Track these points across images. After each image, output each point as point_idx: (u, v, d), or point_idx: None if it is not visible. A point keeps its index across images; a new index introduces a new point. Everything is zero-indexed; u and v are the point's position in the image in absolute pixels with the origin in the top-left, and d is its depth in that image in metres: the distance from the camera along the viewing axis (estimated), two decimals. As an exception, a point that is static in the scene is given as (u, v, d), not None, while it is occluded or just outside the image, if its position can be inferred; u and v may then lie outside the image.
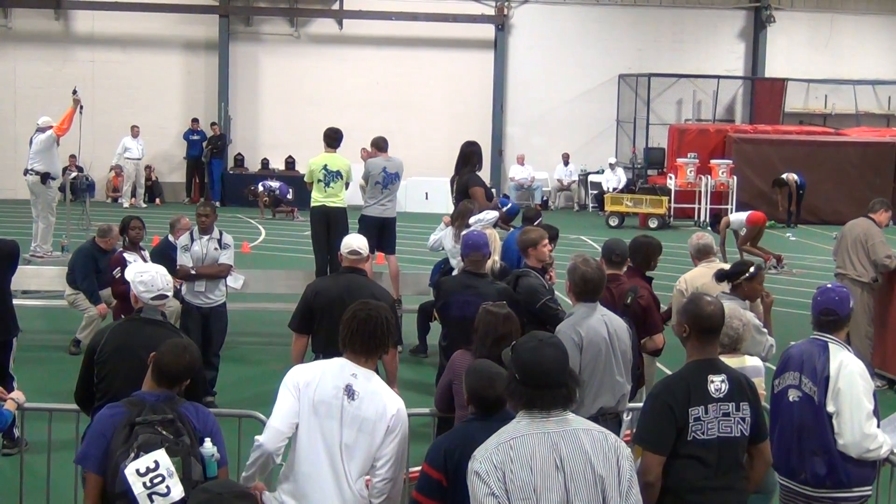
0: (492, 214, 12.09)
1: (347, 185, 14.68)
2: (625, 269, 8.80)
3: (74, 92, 18.19)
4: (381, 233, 14.66)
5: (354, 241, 8.71)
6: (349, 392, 5.38)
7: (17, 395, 7.17)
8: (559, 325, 7.26)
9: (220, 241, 11.41)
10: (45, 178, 17.65)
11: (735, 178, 28.80)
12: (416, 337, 13.55)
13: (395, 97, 31.21)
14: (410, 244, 19.76)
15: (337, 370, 5.48)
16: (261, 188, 28.31)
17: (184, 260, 11.19)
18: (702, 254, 9.99)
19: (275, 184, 28.28)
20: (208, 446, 5.29)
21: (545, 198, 31.36)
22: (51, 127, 17.85)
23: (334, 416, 5.35)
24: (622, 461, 4.46)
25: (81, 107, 18.16)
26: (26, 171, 18.01)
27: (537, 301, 8.64)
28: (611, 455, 4.44)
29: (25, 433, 8.07)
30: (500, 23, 32.03)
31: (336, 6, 31.60)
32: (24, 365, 10.38)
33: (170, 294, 6.57)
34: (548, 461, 4.37)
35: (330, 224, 14.31)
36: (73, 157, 25.60)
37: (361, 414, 5.36)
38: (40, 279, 14.72)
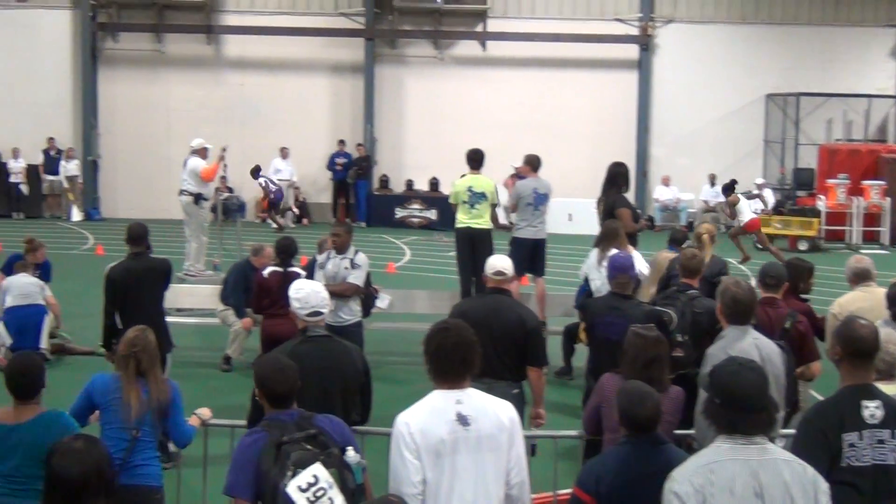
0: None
1: (493, 206, 14.71)
2: (781, 292, 8.63)
3: (224, 150, 18.68)
4: (533, 254, 14.64)
5: (499, 262, 8.69)
6: (462, 420, 5.28)
7: (203, 411, 7.35)
8: (709, 348, 7.15)
9: (352, 260, 11.55)
10: (198, 198, 18.13)
11: (889, 199, 28.01)
12: (561, 359, 13.50)
13: (538, 118, 31.22)
14: (554, 265, 19.69)
15: (441, 404, 5.33)
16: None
17: (317, 278, 11.40)
18: (859, 278, 9.68)
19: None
20: (352, 455, 5.35)
21: (690, 219, 30.97)
22: (205, 149, 18.37)
23: (459, 450, 5.26)
24: (820, 496, 4.47)
25: (226, 165, 18.70)
26: (180, 192, 18.53)
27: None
28: (809, 488, 4.45)
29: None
30: (645, 43, 31.80)
31: (479, 28, 31.82)
32: (178, 381, 10.60)
33: (325, 310, 6.69)
34: (747, 488, 4.37)
35: (475, 245, 14.33)
36: (223, 178, 26.20)
37: (481, 434, 5.30)
38: (193, 297, 15.11)
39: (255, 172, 26.99)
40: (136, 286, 9.94)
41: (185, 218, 18.53)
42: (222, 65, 31.81)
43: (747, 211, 23.77)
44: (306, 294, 6.63)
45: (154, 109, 31.48)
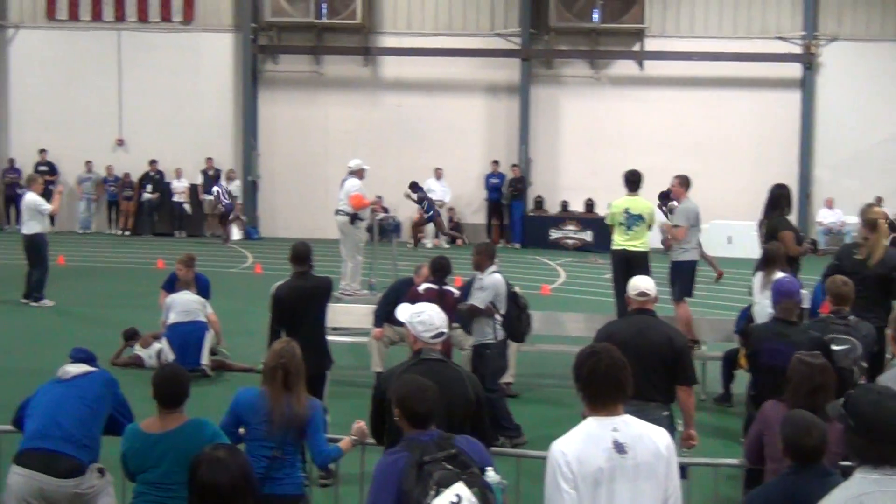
0: None
1: (650, 227, 14.56)
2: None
3: (379, 198, 19.07)
4: (692, 277, 14.51)
5: (642, 283, 8.58)
6: (619, 448, 5.20)
7: (358, 427, 7.46)
8: (880, 376, 6.95)
9: (483, 281, 11.63)
10: (354, 218, 18.41)
11: None
12: (720, 385, 13.28)
13: (696, 139, 30.83)
14: (713, 289, 19.38)
15: (597, 432, 5.25)
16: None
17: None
18: None
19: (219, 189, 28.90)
20: (493, 475, 5.34)
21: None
22: (362, 170, 18.68)
23: (616, 478, 5.18)
24: None
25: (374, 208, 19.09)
26: (336, 212, 18.85)
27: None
28: None
29: (339, 465, 8.37)
30: (808, 62, 31.12)
31: (637, 47, 31.61)
32: (333, 399, 10.80)
33: (446, 331, 6.72)
34: None
35: (631, 268, 14.18)
36: (379, 197, 26.59)
37: (639, 462, 5.21)
38: (349, 316, 15.32)
39: (213, 181, 28.02)
40: (302, 305, 10.13)
41: (341, 237, 18.82)
42: (379, 86, 32.29)
43: None
44: (430, 316, 6.66)
45: (312, 130, 32.15)
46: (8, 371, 14.06)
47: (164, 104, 32.15)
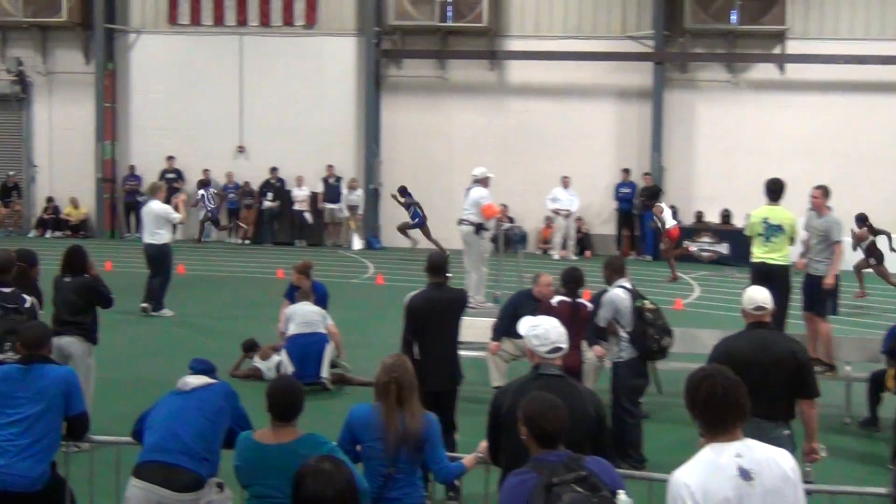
0: None
1: (792, 240, 14.30)
2: None
3: (504, 207, 19.12)
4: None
5: (759, 295, 8.43)
6: (744, 475, 5.09)
7: (486, 446, 7.50)
8: None
9: (601, 296, 11.61)
10: (479, 228, 18.45)
11: None
12: (866, 409, 12.97)
13: (842, 146, 30.16)
14: (855, 305, 18.99)
15: (720, 459, 5.13)
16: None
17: (603, 312, 11.53)
18: None
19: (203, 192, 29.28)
20: (624, 498, 5.31)
21: None
22: (487, 178, 18.71)
23: None
24: None
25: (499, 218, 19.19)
26: (460, 222, 18.91)
27: None
28: None
29: (464, 485, 8.40)
30: (964, 63, 30.26)
31: (777, 50, 31.11)
32: (460, 416, 10.82)
33: (564, 346, 6.69)
34: None
35: (770, 282, 13.90)
36: (503, 206, 26.62)
37: (766, 489, 5.11)
38: (474, 330, 15.30)
39: (202, 185, 28.53)
40: (436, 316, 10.17)
41: (464, 248, 18.89)
42: (505, 91, 32.33)
43: None
44: (545, 330, 6.64)
45: (435, 137, 32.32)
46: (127, 382, 14.38)
47: (285, 110, 32.66)
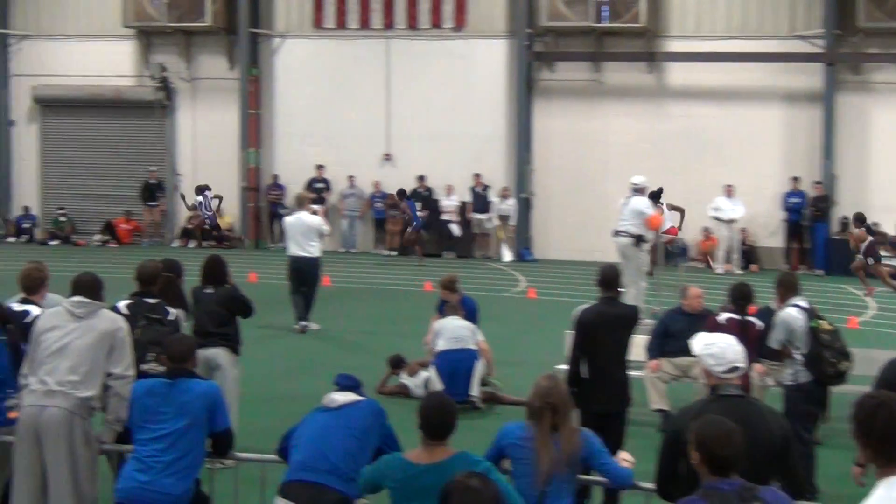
0: None
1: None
2: None
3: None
4: None
5: None
6: None
7: (623, 457, 7.45)
8: None
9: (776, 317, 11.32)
10: (638, 240, 18.26)
11: None
12: None
13: None
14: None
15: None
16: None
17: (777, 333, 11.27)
18: None
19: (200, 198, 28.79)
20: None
21: None
22: (644, 188, 18.52)
23: None
24: None
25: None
26: (617, 233, 18.73)
27: None
28: None
29: None
30: None
31: (962, 48, 30.14)
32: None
33: (742, 365, 6.57)
34: None
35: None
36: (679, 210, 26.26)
37: None
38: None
39: (199, 191, 28.87)
40: (607, 333, 10.04)
41: (622, 261, 18.70)
42: (665, 94, 31.97)
43: None
44: (721, 348, 6.56)
45: (590, 143, 32.11)
46: (271, 398, 14.58)
47: (433, 116, 32.83)
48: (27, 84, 35.22)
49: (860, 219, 23.63)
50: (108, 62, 34.56)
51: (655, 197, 26.04)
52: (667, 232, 25.81)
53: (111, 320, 8.56)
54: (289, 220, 20.42)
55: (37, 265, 10.09)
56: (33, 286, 9.78)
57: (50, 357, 8.26)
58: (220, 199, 29.24)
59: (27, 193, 35.84)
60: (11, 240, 34.56)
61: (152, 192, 34.50)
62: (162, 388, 7.93)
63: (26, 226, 34.93)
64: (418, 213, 29.53)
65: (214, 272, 12.16)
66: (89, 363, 8.27)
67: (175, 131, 35.05)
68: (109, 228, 34.42)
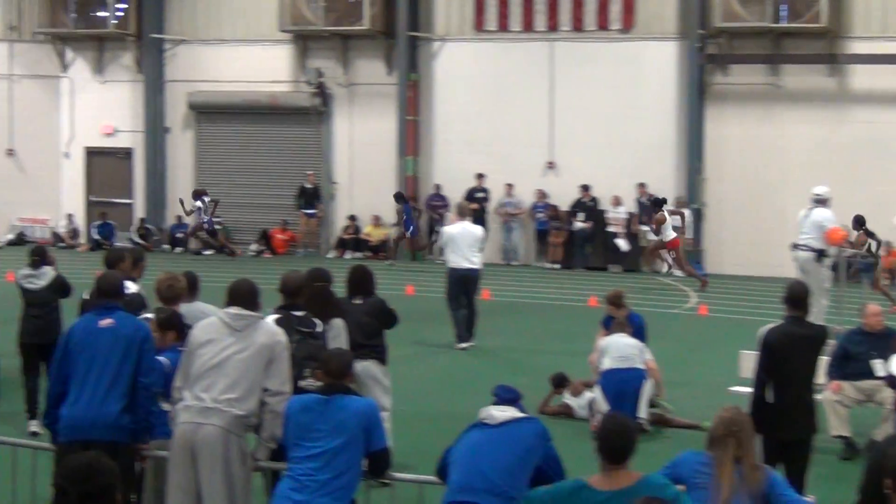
0: None
1: None
2: None
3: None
4: None
5: None
6: None
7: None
8: None
9: None
10: (820, 255, 17.88)
11: None
12: None
13: None
14: None
15: None
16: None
17: None
18: None
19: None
20: None
21: None
22: (829, 200, 18.17)
23: None
24: None
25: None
26: (796, 246, 18.38)
27: None
28: None
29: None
30: None
31: None
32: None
33: None
34: None
35: None
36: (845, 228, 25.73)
37: None
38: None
39: (197, 195, 28.27)
40: (795, 355, 9.84)
41: (802, 277, 18.31)
42: (847, 99, 31.29)
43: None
44: None
45: (767, 151, 31.58)
46: (427, 417, 14.62)
47: (598, 122, 32.64)
48: (182, 90, 36.14)
49: (860, 221, 23.58)
50: (264, 67, 35.22)
51: (659, 204, 26.40)
52: (669, 244, 27.32)
53: (270, 333, 8.66)
54: (453, 230, 20.34)
55: (173, 276, 10.39)
56: (172, 297, 10.11)
57: (207, 372, 8.38)
58: (216, 203, 29.91)
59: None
60: (166, 247, 35.43)
61: (309, 197, 34.96)
62: (317, 404, 7.98)
63: (179, 235, 35.79)
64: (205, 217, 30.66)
65: (362, 283, 12.29)
66: (248, 379, 8.38)
67: (331, 138, 35.49)
68: (265, 238, 35.04)
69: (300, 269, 10.88)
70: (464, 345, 19.72)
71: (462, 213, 20.90)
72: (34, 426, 11.80)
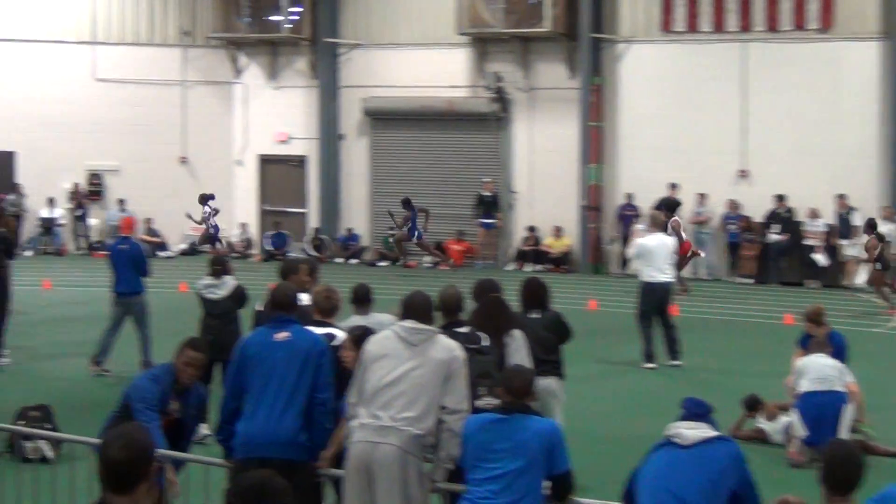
0: None
1: None
2: None
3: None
4: None
5: None
6: None
7: None
8: None
9: None
10: None
11: None
12: None
13: None
14: None
15: None
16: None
17: None
18: None
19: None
20: None
21: None
22: None
23: None
24: None
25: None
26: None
27: None
28: None
29: None
30: None
31: None
32: None
33: None
34: None
35: None
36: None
37: None
38: None
39: (203, 200, 30.26)
40: None
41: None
42: None
43: None
44: None
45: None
46: (611, 438, 14.58)
47: (794, 129, 32.09)
48: (357, 95, 36.59)
49: (872, 225, 24.12)
50: (441, 72, 35.47)
51: (672, 209, 25.84)
52: (682, 249, 25.93)
53: (448, 349, 8.68)
54: (649, 241, 20.16)
55: (330, 288, 10.61)
56: (330, 308, 10.31)
57: (384, 389, 8.44)
58: (216, 211, 30.44)
59: (356, 211, 37.23)
60: (339, 260, 35.86)
61: (487, 207, 35.02)
62: (496, 424, 7.99)
63: (351, 245, 36.27)
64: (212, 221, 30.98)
65: (538, 296, 12.31)
66: (426, 397, 8.42)
67: (510, 145, 35.56)
68: (440, 249, 35.26)
69: (456, 284, 10.89)
70: (676, 363, 19.63)
71: (655, 224, 20.73)
72: (203, 428, 12.06)
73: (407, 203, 31.52)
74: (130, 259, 18.47)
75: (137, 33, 38.01)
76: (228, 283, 15.52)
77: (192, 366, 9.78)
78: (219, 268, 15.69)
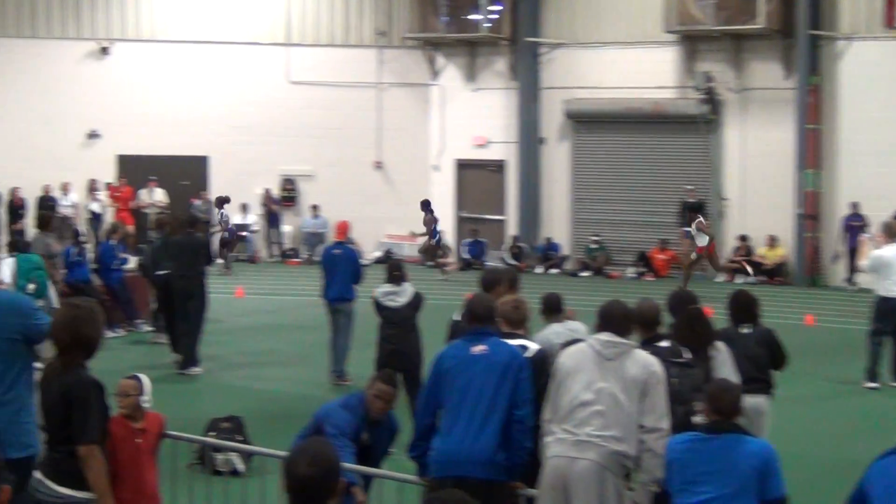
0: None
1: None
2: None
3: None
4: None
5: None
6: None
7: None
8: None
9: None
10: None
11: None
12: None
13: None
14: None
15: None
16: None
17: None
18: None
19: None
20: None
21: None
22: None
23: None
24: None
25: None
26: None
27: None
28: None
29: None
30: None
31: None
32: None
33: None
34: None
35: None
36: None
37: None
38: None
39: (220, 203, 31.06)
40: None
41: None
42: None
43: None
44: None
45: None
46: (836, 464, 14.21)
47: None
48: (558, 97, 36.43)
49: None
50: (647, 72, 35.13)
51: (697, 210, 24.68)
52: (701, 249, 28.85)
53: (644, 364, 8.58)
54: (886, 253, 19.46)
55: (518, 298, 10.54)
56: (518, 319, 10.19)
57: (579, 406, 8.38)
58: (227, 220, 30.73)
59: (557, 218, 37.13)
60: (539, 270, 35.75)
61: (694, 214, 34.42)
62: (703, 444, 7.84)
63: (551, 255, 36.19)
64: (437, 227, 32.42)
65: (748, 309, 12.09)
66: (623, 415, 8.33)
67: (721, 150, 34.99)
68: (643, 259, 34.92)
69: (650, 299, 10.71)
70: (873, 384, 19.02)
71: (891, 234, 20.11)
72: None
73: (426, 205, 32.44)
74: (344, 264, 18.71)
75: (332, 34, 38.57)
76: (408, 290, 15.56)
77: (381, 399, 9.92)
78: (398, 273, 15.73)
